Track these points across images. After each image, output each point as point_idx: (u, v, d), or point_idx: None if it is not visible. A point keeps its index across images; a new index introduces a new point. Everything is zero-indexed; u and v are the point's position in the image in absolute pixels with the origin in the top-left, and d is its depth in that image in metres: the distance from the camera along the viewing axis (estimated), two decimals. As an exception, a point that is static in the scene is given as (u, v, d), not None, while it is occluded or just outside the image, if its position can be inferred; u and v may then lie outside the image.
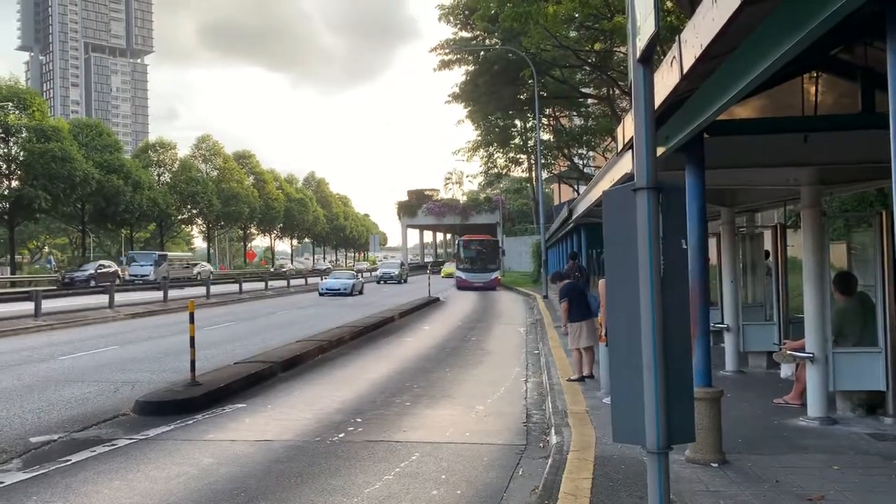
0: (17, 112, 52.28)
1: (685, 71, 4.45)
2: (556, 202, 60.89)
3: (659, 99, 4.80)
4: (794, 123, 6.61)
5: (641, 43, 3.09)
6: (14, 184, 52.52)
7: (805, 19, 3.17)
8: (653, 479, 3.20)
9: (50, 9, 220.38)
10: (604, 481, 5.86)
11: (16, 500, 6.05)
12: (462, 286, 43.83)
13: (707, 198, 6.78)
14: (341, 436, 8.18)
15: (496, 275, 45.29)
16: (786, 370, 8.73)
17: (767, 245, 11.86)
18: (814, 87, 7.10)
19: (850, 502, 5.27)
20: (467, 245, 46.66)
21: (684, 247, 3.24)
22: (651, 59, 3.18)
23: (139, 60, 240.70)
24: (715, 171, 7.07)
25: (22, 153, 52.03)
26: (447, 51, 36.03)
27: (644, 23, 3.04)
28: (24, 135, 52.32)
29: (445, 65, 36.51)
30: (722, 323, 11.10)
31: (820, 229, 7.78)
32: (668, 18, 18.73)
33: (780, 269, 10.31)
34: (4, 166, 52.27)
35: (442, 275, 58.58)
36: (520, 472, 6.72)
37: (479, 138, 48.46)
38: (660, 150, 6.03)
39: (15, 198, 51.50)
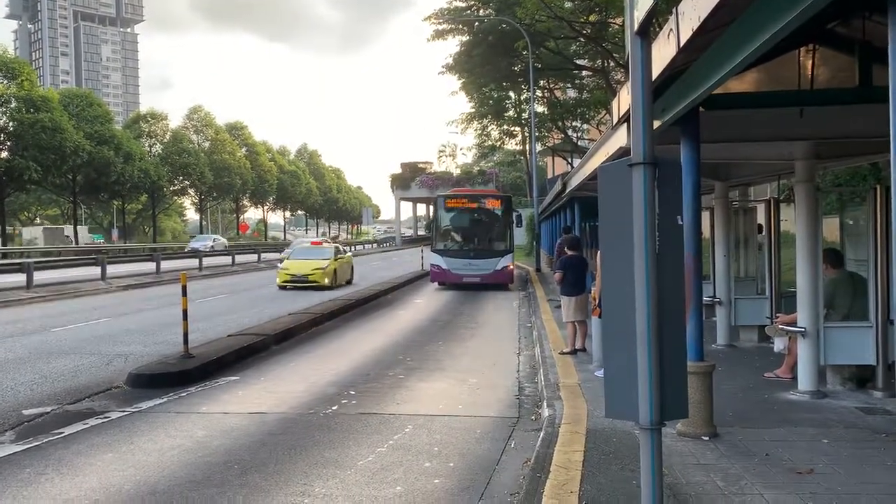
0: (5, 82, 51.72)
1: (682, 43, 4.39)
2: (550, 175, 60.73)
3: (655, 72, 4.74)
4: (791, 97, 6.56)
5: (639, 15, 3.04)
6: (4, 154, 52.11)
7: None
8: (645, 455, 3.21)
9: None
10: (595, 454, 5.90)
11: (9, 473, 6.06)
12: (444, 281, 24.89)
13: (701, 172, 6.75)
14: (335, 408, 8.21)
15: (506, 261, 24.46)
16: (779, 345, 8.79)
17: (760, 219, 11.86)
18: (810, 61, 7.04)
19: (839, 475, 5.32)
20: (453, 205, 26.10)
21: (680, 223, 3.22)
22: (648, 31, 3.13)
23: (129, 29, 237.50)
24: (710, 144, 7.04)
25: (11, 123, 51.57)
26: (441, 20, 35.67)
27: (642, -6, 2.99)
28: (13, 105, 51.82)
29: (440, 35, 36.14)
30: (714, 297, 11.14)
31: (814, 204, 7.78)
32: (665, -11, 18.55)
33: (772, 244, 10.32)
34: (-7, 136, 51.82)
35: (279, 281, 25.29)
36: (512, 445, 6.76)
37: (473, 110, 48.01)
38: (655, 124, 5.97)
39: (5, 168, 51.13)
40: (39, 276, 23.56)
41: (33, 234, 64.39)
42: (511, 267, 24.69)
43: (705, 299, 10.28)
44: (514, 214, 26.29)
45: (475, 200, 26.47)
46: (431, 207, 28.04)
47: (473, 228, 25.89)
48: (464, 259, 24.39)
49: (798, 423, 6.73)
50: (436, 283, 25.32)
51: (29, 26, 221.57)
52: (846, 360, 7.82)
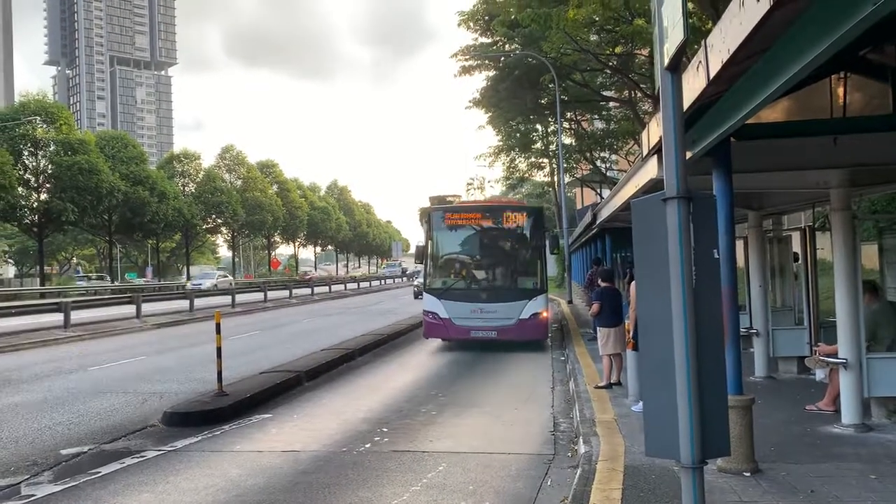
0: (45, 126, 53.20)
1: (712, 76, 4.38)
2: (579, 206, 60.57)
3: (685, 104, 4.72)
4: (824, 126, 6.50)
5: (669, 50, 3.04)
6: (43, 196, 53.43)
7: (839, 22, 3.10)
8: (688, 494, 3.13)
9: (76, 23, 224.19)
10: (634, 492, 5.78)
11: (47, 514, 6.10)
12: (445, 337, 17.70)
13: (734, 201, 6.68)
14: (368, 446, 8.16)
15: (537, 305, 16.76)
16: (821, 374, 8.59)
17: (795, 247, 11.68)
18: (842, 88, 6.98)
19: (890, 513, 5.14)
20: (456, 223, 18.08)
21: (716, 256, 3.18)
22: (679, 66, 3.13)
23: (163, 72, 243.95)
24: (742, 174, 6.97)
25: (50, 166, 52.97)
26: (467, 57, 36.04)
27: (672, 30, 2.99)
28: (52, 148, 53.27)
29: (466, 70, 36.46)
30: (751, 328, 10.95)
31: (851, 232, 7.64)
32: (690, 20, 18.53)
33: (809, 273, 10.14)
34: (33, 179, 53.19)
35: None
36: (548, 483, 6.65)
37: (501, 143, 48.21)
38: (686, 155, 5.94)
39: (43, 210, 52.39)
40: (76, 316, 23.92)
41: (203, 270, 70.86)
42: (545, 314, 16.81)
43: (742, 330, 10.12)
44: (549, 234, 18.56)
45: (489, 215, 17.89)
46: (424, 231, 18.31)
47: (486, 257, 17.98)
48: (472, 303, 16.52)
49: (844, 458, 6.53)
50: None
51: (67, 71, 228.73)
52: (891, 391, 7.60)
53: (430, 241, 17.74)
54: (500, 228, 17.91)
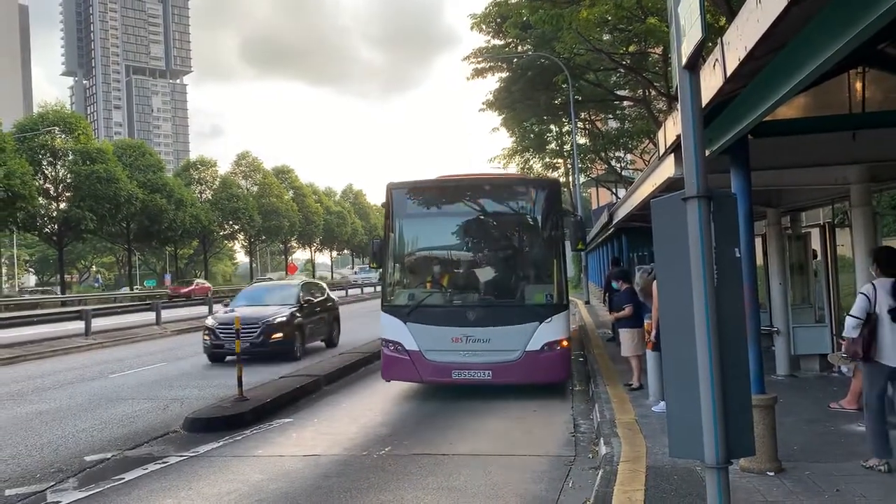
0: (63, 136, 53.83)
1: (729, 73, 4.36)
2: (594, 206, 60.37)
3: (702, 102, 4.71)
4: (843, 121, 6.45)
5: (687, 48, 3.03)
6: (62, 205, 54.06)
7: (859, 17, 3.07)
8: (712, 495, 3.11)
9: (92, 34, 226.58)
10: (657, 493, 5.75)
11: (73, 520, 6.15)
12: (416, 379, 11.27)
13: (752, 199, 6.64)
14: (388, 449, 8.17)
15: (555, 330, 10.63)
16: (845, 368, 8.49)
17: (815, 244, 11.58)
18: (860, 83, 6.92)
19: (917, 512, 5.08)
20: (433, 205, 12.01)
21: (738, 255, 3.16)
22: (697, 65, 3.12)
23: (178, 81, 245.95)
24: (760, 172, 6.93)
25: (69, 175, 53.58)
26: (480, 59, 36.02)
27: (690, 29, 2.98)
28: (70, 157, 53.89)
29: (479, 73, 36.42)
30: (771, 326, 10.86)
31: (872, 228, 7.59)
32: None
33: (829, 270, 10.05)
34: (53, 189, 53.83)
35: None
36: (570, 485, 6.63)
37: (515, 145, 48.14)
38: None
39: (63, 219, 52.99)
40: (97, 323, 24.14)
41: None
42: (565, 343, 10.96)
43: (762, 329, 10.04)
44: (570, 220, 11.89)
45: (480, 193, 12.01)
46: (385, 216, 12.07)
47: (475, 256, 12.14)
48: (453, 328, 10.92)
49: (868, 457, 6.45)
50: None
51: (84, 82, 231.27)
52: (916, 388, 7.49)
53: (391, 235, 11.78)
54: (497, 213, 11.99)
